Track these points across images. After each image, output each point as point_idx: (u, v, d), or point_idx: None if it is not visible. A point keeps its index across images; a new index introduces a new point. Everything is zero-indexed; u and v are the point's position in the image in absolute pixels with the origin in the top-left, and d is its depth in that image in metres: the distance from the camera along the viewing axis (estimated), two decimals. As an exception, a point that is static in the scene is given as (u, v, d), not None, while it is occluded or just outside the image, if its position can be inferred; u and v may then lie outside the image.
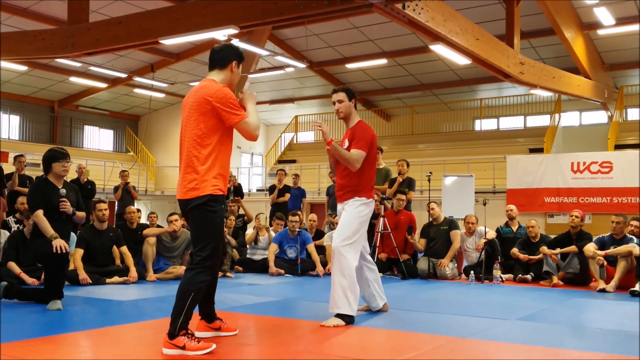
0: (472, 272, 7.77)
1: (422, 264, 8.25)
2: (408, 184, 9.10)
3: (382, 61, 17.39)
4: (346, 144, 4.75)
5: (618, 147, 16.33)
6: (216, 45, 3.98)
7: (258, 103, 26.36)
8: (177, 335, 3.44)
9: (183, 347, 3.42)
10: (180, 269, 7.67)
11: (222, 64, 3.86)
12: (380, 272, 8.24)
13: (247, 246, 9.15)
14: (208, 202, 3.56)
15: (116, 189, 12.06)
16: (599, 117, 19.08)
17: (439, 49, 10.53)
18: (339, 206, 4.77)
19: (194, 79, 19.81)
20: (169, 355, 3.40)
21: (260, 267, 8.53)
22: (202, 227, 3.61)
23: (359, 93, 21.70)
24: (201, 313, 3.94)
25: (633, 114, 18.94)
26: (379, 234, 8.32)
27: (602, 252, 7.05)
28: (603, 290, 6.84)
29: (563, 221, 8.20)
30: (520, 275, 7.84)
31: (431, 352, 3.61)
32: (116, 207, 12.39)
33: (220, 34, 10.80)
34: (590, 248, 7.12)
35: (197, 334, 3.71)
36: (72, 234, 6.94)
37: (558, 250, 7.72)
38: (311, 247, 8.54)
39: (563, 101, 18.58)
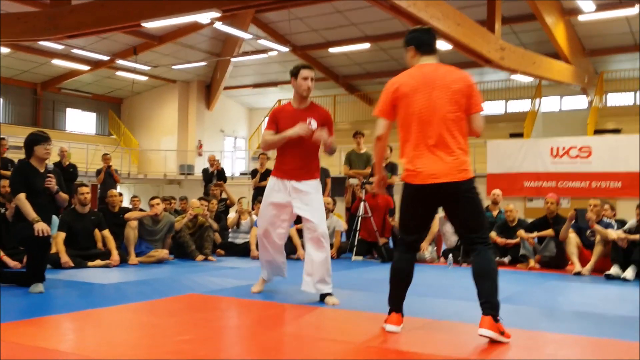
0: (450, 255, 7.90)
1: (403, 247, 8.34)
2: (391, 169, 9.19)
3: (365, 45, 17.43)
4: (314, 124, 4.74)
5: (597, 132, 16.56)
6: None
7: (241, 86, 26.34)
8: (499, 319, 3.41)
9: (502, 333, 3.40)
10: (162, 253, 7.71)
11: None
12: (359, 255, 8.42)
13: (229, 230, 9.20)
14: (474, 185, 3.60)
15: (98, 172, 12.02)
16: (579, 102, 19.30)
17: (421, 33, 10.57)
18: (298, 184, 4.76)
19: (176, 61, 19.71)
20: (490, 337, 3.36)
21: (242, 251, 8.59)
22: (480, 208, 3.61)
23: (342, 77, 21.72)
24: (399, 306, 3.76)
25: (612, 99, 19.17)
26: (359, 217, 8.41)
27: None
28: (579, 274, 6.99)
29: (542, 205, 8.33)
30: (497, 259, 7.98)
31: (408, 333, 3.70)
32: (98, 191, 12.36)
33: (203, 17, 10.77)
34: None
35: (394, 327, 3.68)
36: (54, 217, 6.94)
37: (535, 234, 7.88)
38: (292, 230, 8.60)
39: (543, 86, 18.75)
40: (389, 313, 3.74)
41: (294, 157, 4.78)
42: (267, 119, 4.95)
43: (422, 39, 3.69)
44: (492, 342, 3.39)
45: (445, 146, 3.50)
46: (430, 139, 3.52)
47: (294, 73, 4.82)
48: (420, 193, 3.57)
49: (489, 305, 3.40)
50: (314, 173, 4.85)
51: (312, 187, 4.80)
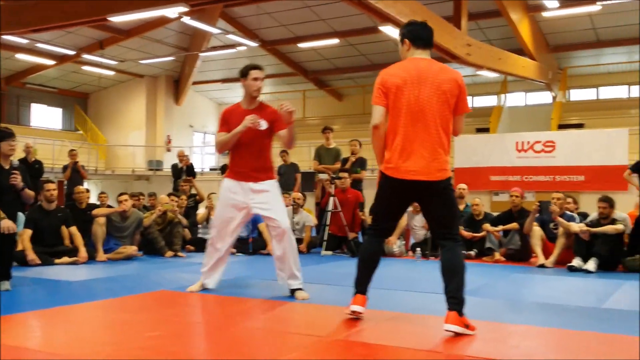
0: (418, 249, 8.01)
1: (371, 241, 8.43)
2: (360, 164, 9.27)
3: (334, 41, 17.48)
4: (264, 124, 4.76)
5: (561, 126, 16.89)
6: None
7: (210, 81, 26.16)
8: (463, 314, 3.49)
9: (467, 327, 3.47)
10: (131, 249, 7.67)
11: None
12: (329, 249, 8.48)
13: (199, 226, 9.18)
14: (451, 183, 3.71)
15: (65, 168, 11.85)
16: (544, 97, 19.66)
17: (388, 29, 10.68)
18: (255, 185, 4.78)
19: (144, 56, 19.49)
20: (455, 331, 3.44)
21: (212, 247, 8.57)
22: (454, 206, 3.74)
23: (312, 72, 21.75)
24: (365, 288, 3.84)
25: (576, 94, 19.57)
26: (329, 212, 8.47)
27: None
28: (542, 266, 7.16)
29: (507, 199, 8.49)
30: (464, 252, 8.09)
31: (376, 326, 3.76)
32: (65, 187, 12.19)
33: (171, 12, 10.70)
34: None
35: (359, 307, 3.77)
36: (20, 214, 6.84)
37: (500, 227, 8.03)
38: (262, 226, 8.61)
39: (509, 82, 19.05)
40: (354, 295, 3.82)
41: (247, 158, 4.80)
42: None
43: (418, 33, 3.70)
44: (458, 334, 3.47)
45: (429, 144, 3.55)
46: (415, 134, 3.55)
47: (244, 73, 4.82)
48: (398, 187, 3.63)
49: (455, 300, 3.49)
50: (269, 173, 4.88)
51: (270, 185, 4.84)
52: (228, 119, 4.85)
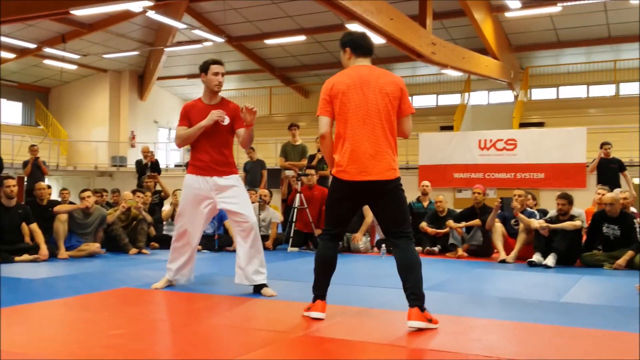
0: (383, 245, 8.09)
1: (337, 238, 8.48)
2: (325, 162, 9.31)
3: (301, 38, 17.48)
4: (227, 120, 4.76)
5: (522, 125, 17.23)
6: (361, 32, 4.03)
7: (175, 77, 25.80)
8: (425, 308, 3.55)
9: (430, 321, 3.53)
10: (94, 246, 7.56)
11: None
12: (295, 246, 8.50)
13: (164, 222, 9.10)
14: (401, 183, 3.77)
15: (25, 164, 11.62)
16: (506, 96, 20.00)
17: (354, 27, 10.71)
18: (220, 180, 4.77)
19: (107, 50, 19.18)
20: (419, 327, 3.50)
21: (177, 244, 8.51)
22: (405, 205, 3.80)
23: (278, 69, 21.71)
24: (323, 292, 3.87)
25: (537, 93, 19.96)
26: (295, 209, 8.49)
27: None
28: (504, 262, 7.30)
29: (470, 196, 8.65)
30: (428, 248, 8.23)
31: (342, 321, 3.80)
32: (25, 183, 11.94)
33: (135, 5, 10.55)
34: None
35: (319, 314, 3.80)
36: (-22, 211, 6.71)
37: (463, 223, 8.17)
38: (228, 222, 8.60)
39: (472, 81, 19.32)
40: (314, 300, 3.86)
41: (208, 152, 4.78)
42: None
43: (357, 42, 3.86)
44: (422, 329, 3.53)
45: (377, 145, 3.65)
46: (362, 137, 3.65)
47: (204, 68, 4.80)
48: (349, 189, 3.71)
49: (415, 297, 3.56)
50: (232, 168, 4.87)
51: (235, 180, 4.83)
52: (189, 114, 4.82)
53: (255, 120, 4.65)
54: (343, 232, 4.00)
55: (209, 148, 4.78)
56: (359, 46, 3.85)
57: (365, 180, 3.64)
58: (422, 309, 3.56)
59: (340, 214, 3.86)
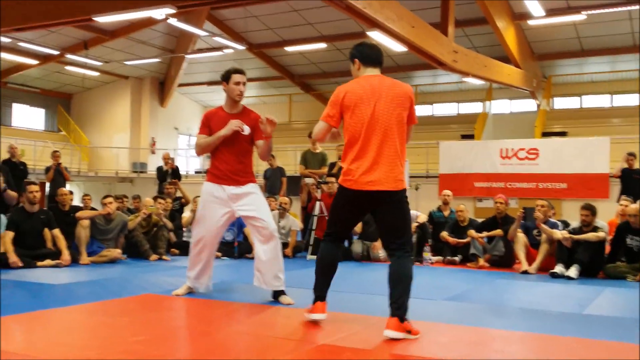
0: (404, 254, 8.02)
1: (357, 246, 8.46)
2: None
3: (321, 45, 17.50)
4: (247, 130, 4.76)
5: (545, 134, 17.06)
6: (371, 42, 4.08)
7: (196, 84, 25.96)
8: (405, 319, 3.55)
9: (409, 332, 3.54)
10: (115, 252, 7.61)
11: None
12: (315, 254, 8.45)
13: (184, 229, 9.13)
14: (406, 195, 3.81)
15: (47, 169, 11.74)
16: (528, 105, 19.82)
17: (375, 35, 10.71)
18: (237, 189, 4.77)
19: (129, 57, 19.38)
20: (394, 337, 3.50)
21: (197, 250, 8.52)
22: (408, 217, 3.80)
23: (298, 76, 21.76)
24: (324, 293, 3.93)
25: (560, 103, 19.77)
26: (315, 217, 8.47)
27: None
28: (526, 272, 7.21)
29: (491, 205, 8.56)
30: (448, 257, 8.16)
31: (362, 331, 3.77)
32: (47, 189, 12.07)
33: (157, 13, 10.65)
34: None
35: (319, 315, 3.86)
36: (2, 216, 6.78)
37: (484, 233, 8.09)
38: (248, 229, 8.60)
39: (494, 89, 19.20)
40: (314, 302, 3.92)
41: (228, 161, 4.77)
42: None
43: (365, 52, 3.91)
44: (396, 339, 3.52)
45: (387, 156, 3.69)
46: (373, 147, 3.70)
47: (226, 77, 4.80)
48: (356, 198, 3.76)
49: (396, 306, 3.59)
50: (250, 177, 4.86)
51: (253, 187, 4.83)
52: (209, 122, 4.82)
53: (275, 128, 4.66)
54: (346, 235, 4.07)
55: (228, 157, 4.78)
56: (367, 56, 3.90)
57: (372, 190, 3.67)
58: (402, 320, 3.57)
59: (344, 219, 3.93)
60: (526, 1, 13.32)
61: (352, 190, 3.73)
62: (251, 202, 4.75)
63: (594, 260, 6.92)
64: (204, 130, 4.82)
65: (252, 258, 8.10)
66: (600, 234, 6.97)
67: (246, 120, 4.78)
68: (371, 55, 3.90)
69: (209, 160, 4.96)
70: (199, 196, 9.36)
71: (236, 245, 8.48)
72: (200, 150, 4.90)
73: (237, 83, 4.76)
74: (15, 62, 19.00)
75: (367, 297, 5.04)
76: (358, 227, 8.67)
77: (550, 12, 14.23)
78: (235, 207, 4.77)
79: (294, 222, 8.98)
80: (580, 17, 14.13)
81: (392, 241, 3.74)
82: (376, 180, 3.66)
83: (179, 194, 10.49)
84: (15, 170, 9.96)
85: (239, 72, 4.82)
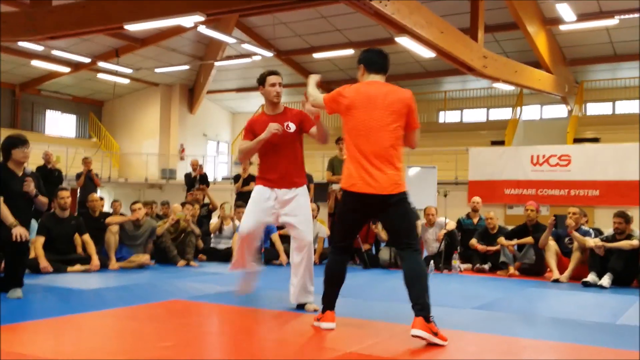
0: (432, 261, 7.95)
1: (384, 253, 8.40)
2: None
3: (349, 51, 17.45)
4: (292, 127, 4.71)
5: (577, 140, 16.76)
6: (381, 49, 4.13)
7: (225, 90, 26.12)
8: (431, 320, 3.56)
9: (435, 334, 3.53)
10: (143, 258, 7.67)
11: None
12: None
13: (212, 235, 9.17)
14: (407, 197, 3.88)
15: (78, 176, 11.91)
16: (559, 111, 19.51)
17: (404, 41, 10.66)
18: (285, 193, 4.70)
19: (159, 65, 19.62)
20: (421, 336, 3.49)
21: (224, 256, 8.55)
22: (411, 217, 3.90)
23: (326, 83, 21.75)
24: (333, 303, 4.03)
25: (592, 108, 19.43)
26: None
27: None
28: (557, 281, 7.08)
29: (522, 212, 8.44)
30: (478, 265, 8.05)
31: (389, 339, 3.73)
32: (78, 195, 12.24)
33: (187, 21, 10.75)
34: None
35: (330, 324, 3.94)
36: (33, 221, 6.88)
37: (515, 241, 7.96)
38: (275, 236, 8.61)
39: (525, 95, 18.94)
40: (323, 311, 4.00)
41: (276, 165, 4.72)
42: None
43: (371, 59, 4.00)
44: (425, 339, 3.48)
45: (383, 160, 3.78)
46: (370, 152, 3.79)
47: (261, 81, 4.80)
48: (358, 202, 3.84)
49: (420, 306, 3.57)
50: (300, 180, 4.78)
51: (300, 193, 4.75)
52: (253, 127, 4.79)
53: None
54: (351, 245, 4.17)
55: (278, 162, 4.72)
56: (373, 63, 3.98)
57: (371, 194, 3.75)
58: (428, 320, 3.54)
59: (349, 226, 4.01)
60: (558, 5, 13.13)
61: (354, 193, 3.81)
62: (293, 209, 4.68)
63: (627, 268, 6.77)
64: (249, 136, 4.80)
65: (279, 265, 8.16)
66: (634, 242, 6.81)
67: (289, 118, 4.75)
68: (376, 62, 3.98)
69: (258, 167, 4.90)
70: (226, 202, 9.47)
71: (263, 252, 8.49)
72: (242, 155, 4.91)
73: (273, 84, 4.76)
74: (49, 70, 19.37)
75: (394, 304, 4.99)
76: (385, 234, 8.61)
77: (582, 17, 13.98)
78: (282, 212, 4.72)
79: (322, 228, 8.95)
80: (613, 21, 13.87)
81: (400, 242, 3.82)
82: (375, 184, 3.75)
83: (206, 200, 10.55)
84: (50, 177, 10.13)
85: (274, 73, 4.83)
